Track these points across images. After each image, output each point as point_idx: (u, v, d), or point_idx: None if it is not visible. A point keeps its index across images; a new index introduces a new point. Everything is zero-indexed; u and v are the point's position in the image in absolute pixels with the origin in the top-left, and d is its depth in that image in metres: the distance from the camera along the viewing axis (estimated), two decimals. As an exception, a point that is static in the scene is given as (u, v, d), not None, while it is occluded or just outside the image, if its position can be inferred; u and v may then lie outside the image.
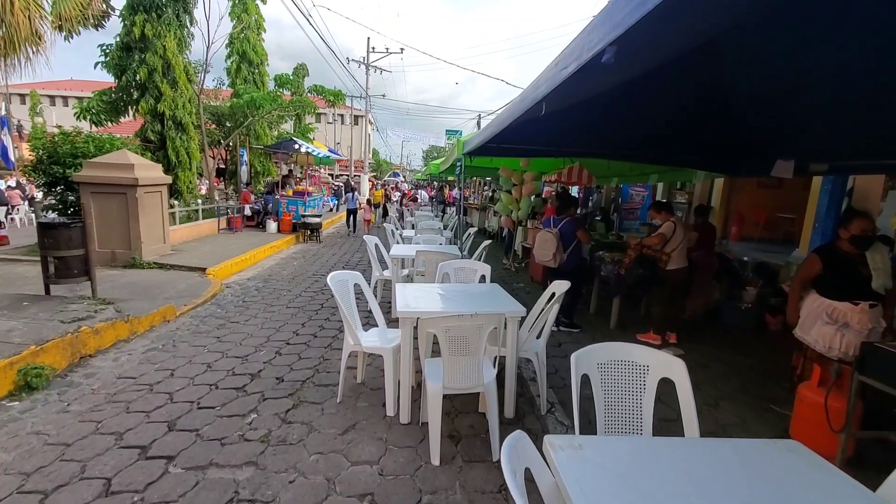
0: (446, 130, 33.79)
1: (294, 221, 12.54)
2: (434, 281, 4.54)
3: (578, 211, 11.13)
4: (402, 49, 28.40)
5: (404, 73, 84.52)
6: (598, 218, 10.69)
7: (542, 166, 8.71)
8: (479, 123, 24.92)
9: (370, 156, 34.65)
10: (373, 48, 27.91)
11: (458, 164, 6.80)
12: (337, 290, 3.31)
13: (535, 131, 5.03)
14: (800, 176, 6.23)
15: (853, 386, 2.43)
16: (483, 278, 4.21)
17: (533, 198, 9.26)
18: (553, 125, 4.43)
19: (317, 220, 12.50)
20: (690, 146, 5.83)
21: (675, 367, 1.97)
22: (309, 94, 15.44)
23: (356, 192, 14.77)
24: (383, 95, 32.13)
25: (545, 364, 3.34)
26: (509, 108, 3.81)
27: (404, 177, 41.91)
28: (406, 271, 5.96)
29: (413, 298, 3.31)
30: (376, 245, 6.32)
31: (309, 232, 12.37)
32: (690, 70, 2.36)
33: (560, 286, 3.34)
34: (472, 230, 8.34)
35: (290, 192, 13.60)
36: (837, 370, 2.88)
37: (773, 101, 3.07)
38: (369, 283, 6.21)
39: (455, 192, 26.68)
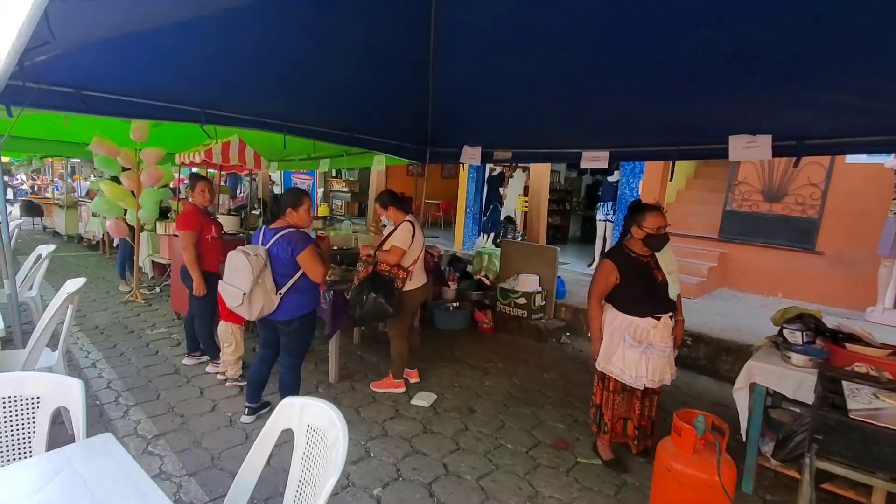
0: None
1: None
2: None
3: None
4: None
5: None
6: (255, 211, 8.53)
7: (171, 139, 5.73)
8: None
9: None
10: None
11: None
12: None
13: (160, 68, 2.70)
14: (486, 162, 6.20)
15: (808, 473, 1.61)
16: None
17: (158, 188, 6.05)
18: (196, 59, 2.74)
19: None
20: (382, 126, 4.92)
21: None
22: None
23: None
24: None
25: None
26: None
27: None
28: None
29: None
30: None
31: None
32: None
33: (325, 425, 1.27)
34: (45, 250, 4.48)
35: None
36: (702, 424, 2.15)
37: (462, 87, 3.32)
38: None
39: None
